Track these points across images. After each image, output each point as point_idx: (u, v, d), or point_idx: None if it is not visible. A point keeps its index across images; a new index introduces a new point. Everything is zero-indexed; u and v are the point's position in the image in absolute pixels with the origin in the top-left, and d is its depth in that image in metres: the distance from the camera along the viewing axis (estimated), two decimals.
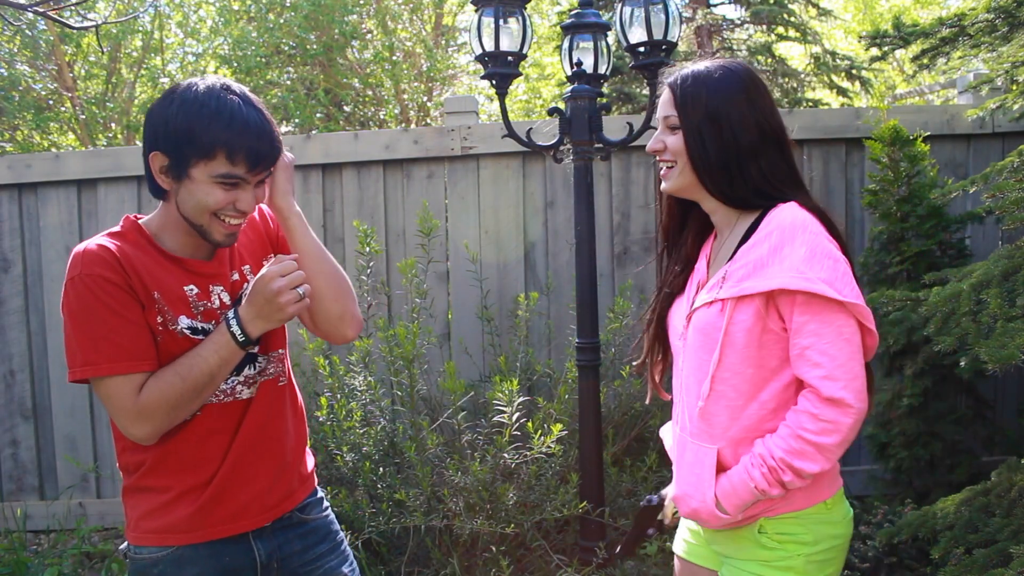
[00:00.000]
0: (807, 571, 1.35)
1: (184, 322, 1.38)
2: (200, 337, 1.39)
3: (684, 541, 1.59)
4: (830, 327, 1.28)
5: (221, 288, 1.44)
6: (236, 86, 1.35)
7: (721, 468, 1.37)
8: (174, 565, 1.40)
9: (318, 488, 1.63)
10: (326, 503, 1.63)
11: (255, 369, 1.46)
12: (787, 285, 1.27)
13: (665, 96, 1.46)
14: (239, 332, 1.36)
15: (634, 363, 1.70)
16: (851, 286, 1.29)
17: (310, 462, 1.61)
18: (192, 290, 1.40)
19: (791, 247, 1.29)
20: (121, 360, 1.32)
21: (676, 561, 1.61)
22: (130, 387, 1.33)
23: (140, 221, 1.42)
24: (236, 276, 1.47)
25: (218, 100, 1.30)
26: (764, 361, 1.33)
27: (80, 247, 1.36)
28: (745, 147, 1.38)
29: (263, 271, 1.37)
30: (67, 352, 1.35)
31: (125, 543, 1.47)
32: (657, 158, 1.49)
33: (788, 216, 1.33)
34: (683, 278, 1.54)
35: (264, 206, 1.56)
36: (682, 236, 1.57)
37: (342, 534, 1.63)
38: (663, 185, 1.49)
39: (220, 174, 1.31)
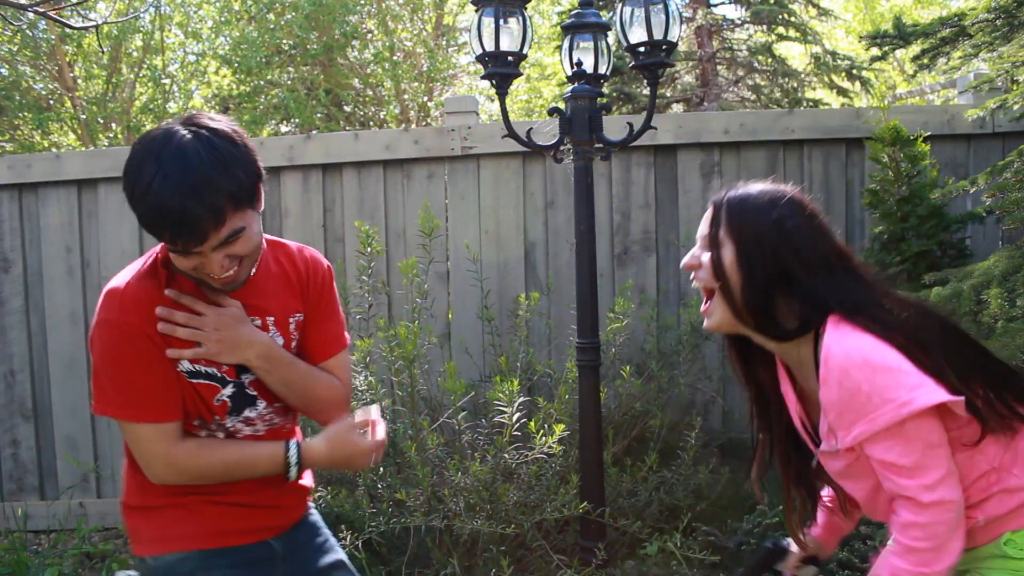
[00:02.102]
0: None
1: (185, 365, 1.39)
2: (201, 381, 1.40)
3: None
4: (896, 439, 1.26)
5: None
6: (175, 141, 1.25)
7: None
8: (202, 561, 1.44)
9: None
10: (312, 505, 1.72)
11: (255, 412, 1.48)
12: (868, 433, 1.26)
13: (708, 212, 1.42)
14: (294, 470, 1.42)
15: (807, 529, 1.61)
16: (915, 388, 1.23)
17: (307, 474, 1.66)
18: None
19: (866, 395, 1.25)
20: (151, 409, 1.35)
21: None
22: (160, 434, 1.36)
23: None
24: (258, 322, 1.46)
25: (136, 176, 1.24)
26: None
27: (115, 284, 1.36)
28: (787, 277, 1.34)
29: (372, 438, 1.44)
30: (95, 386, 1.37)
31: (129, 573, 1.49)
32: (692, 275, 1.44)
33: (839, 356, 1.28)
34: (784, 417, 1.49)
35: (311, 252, 1.56)
36: (751, 370, 1.52)
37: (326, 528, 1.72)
38: (704, 323, 1.45)
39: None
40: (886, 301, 1.34)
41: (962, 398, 1.24)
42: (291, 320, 1.50)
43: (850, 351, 1.26)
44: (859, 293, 1.34)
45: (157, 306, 1.34)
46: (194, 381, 1.40)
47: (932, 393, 1.22)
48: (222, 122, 1.30)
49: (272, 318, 1.47)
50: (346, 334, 1.61)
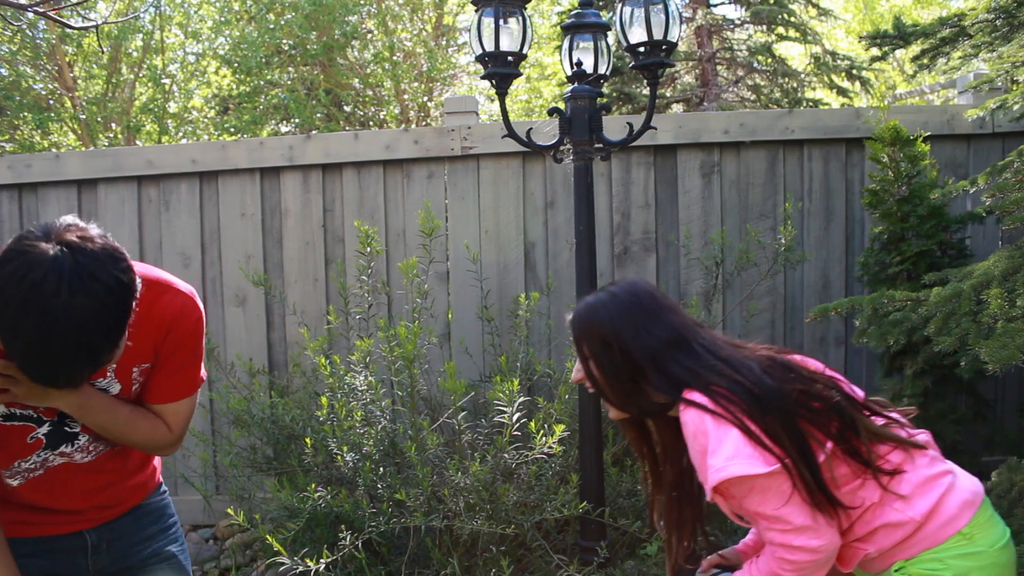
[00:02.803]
0: None
1: (0, 409, 1.35)
2: (16, 423, 1.37)
3: None
4: (752, 491, 1.40)
5: None
6: (62, 289, 1.11)
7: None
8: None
9: (161, 482, 1.68)
10: (164, 489, 1.68)
11: (74, 446, 1.45)
12: (714, 483, 1.40)
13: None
14: None
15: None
16: (731, 458, 1.38)
17: (151, 472, 1.64)
18: None
19: (704, 455, 1.41)
20: None
21: None
22: None
23: None
24: None
25: (18, 317, 1.11)
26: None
27: None
28: (639, 368, 1.51)
29: None
30: None
31: None
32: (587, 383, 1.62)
33: (689, 426, 1.44)
34: (680, 471, 1.66)
35: (185, 300, 1.44)
36: (650, 439, 1.70)
37: (176, 519, 1.67)
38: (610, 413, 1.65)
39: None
40: (728, 366, 1.48)
41: (775, 466, 1.36)
42: (135, 369, 1.43)
43: (695, 420, 1.42)
44: (701, 368, 1.49)
45: None
46: (7, 424, 1.37)
47: (742, 466, 1.36)
48: (104, 243, 1.19)
49: (113, 366, 1.40)
50: (198, 379, 1.52)
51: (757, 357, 1.51)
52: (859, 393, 1.52)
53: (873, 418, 1.48)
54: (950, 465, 1.48)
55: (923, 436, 1.50)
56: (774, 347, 1.59)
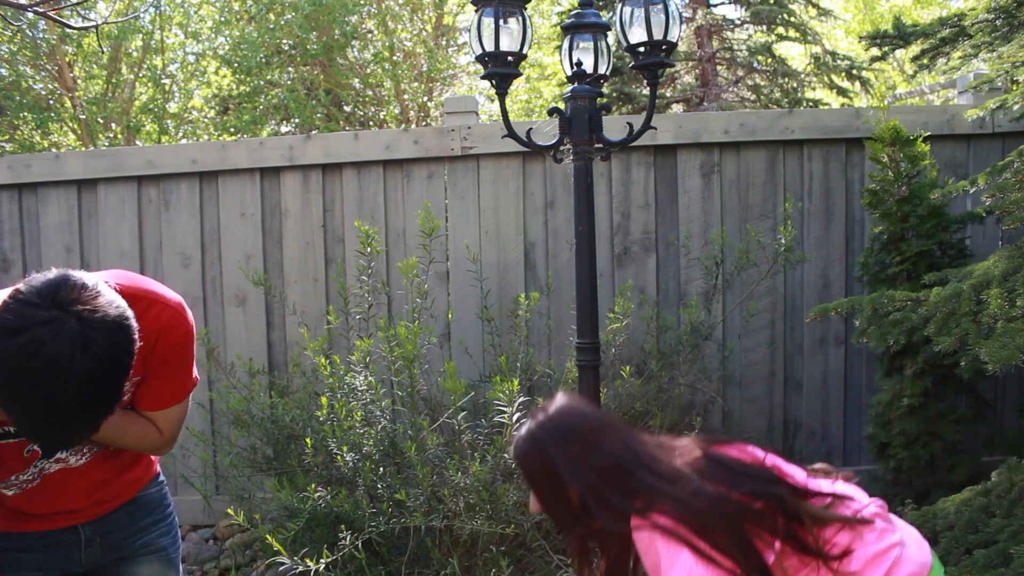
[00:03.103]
0: None
1: None
2: (10, 441, 1.38)
3: None
4: None
5: None
6: (73, 367, 1.10)
7: None
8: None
9: (158, 472, 1.68)
10: (161, 479, 1.68)
11: (67, 451, 1.45)
12: None
13: None
14: None
15: None
16: (703, 572, 1.36)
17: (146, 464, 1.64)
18: None
19: (657, 574, 1.40)
20: None
21: None
22: None
23: None
24: None
25: (23, 391, 1.10)
26: None
27: None
28: (583, 497, 1.48)
29: None
30: None
31: None
32: None
33: (641, 543, 1.43)
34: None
35: (173, 314, 1.43)
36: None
37: (172, 509, 1.68)
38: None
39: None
40: (668, 483, 1.46)
41: None
42: (126, 383, 1.39)
43: (645, 539, 1.42)
44: (643, 491, 1.47)
45: None
46: (1, 442, 1.38)
47: None
48: (115, 314, 1.17)
49: None
50: (189, 386, 1.53)
51: (694, 461, 1.49)
52: (799, 477, 1.52)
53: (816, 500, 1.48)
54: (900, 536, 1.49)
55: (871, 509, 1.51)
56: (707, 439, 1.58)
